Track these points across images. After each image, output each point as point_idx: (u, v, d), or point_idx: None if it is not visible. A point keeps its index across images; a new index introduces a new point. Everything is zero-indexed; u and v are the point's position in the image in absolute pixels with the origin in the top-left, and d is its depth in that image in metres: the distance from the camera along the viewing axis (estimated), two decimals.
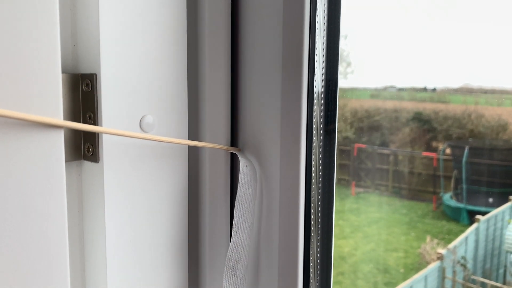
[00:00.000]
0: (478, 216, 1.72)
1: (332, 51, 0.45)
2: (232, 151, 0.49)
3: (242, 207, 0.48)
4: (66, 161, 0.39)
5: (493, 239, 1.66)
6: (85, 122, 0.42)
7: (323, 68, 0.45)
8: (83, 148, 0.43)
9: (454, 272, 1.72)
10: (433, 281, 1.76)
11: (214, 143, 0.48)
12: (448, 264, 1.72)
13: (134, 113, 0.43)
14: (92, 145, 0.42)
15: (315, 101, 0.45)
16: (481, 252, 1.68)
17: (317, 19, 0.44)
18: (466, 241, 1.73)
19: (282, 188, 0.46)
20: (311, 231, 0.47)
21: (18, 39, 0.33)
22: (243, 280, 0.48)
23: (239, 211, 0.48)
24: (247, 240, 0.48)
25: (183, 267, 0.50)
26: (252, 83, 0.47)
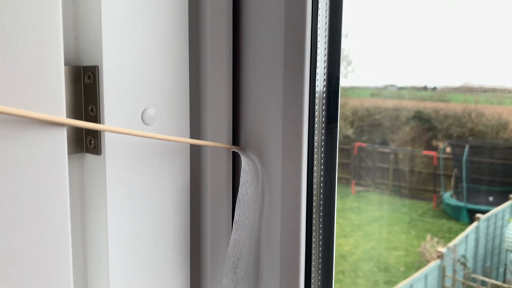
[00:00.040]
0: (478, 215, 1.73)
1: (334, 50, 0.46)
2: (234, 149, 0.49)
3: (244, 205, 0.48)
4: (68, 153, 0.39)
5: (493, 238, 1.67)
6: (87, 114, 0.42)
7: (325, 67, 0.45)
8: (85, 140, 0.43)
9: (454, 271, 1.72)
10: (433, 280, 1.76)
11: (216, 142, 0.48)
12: (448, 262, 1.73)
13: (136, 105, 0.43)
14: (94, 138, 0.42)
15: (316, 100, 0.45)
16: (481, 250, 1.69)
17: (319, 17, 0.44)
18: (466, 239, 1.73)
19: (283, 187, 0.46)
20: (312, 229, 0.47)
21: (20, 31, 0.33)
22: (244, 278, 0.48)
23: (240, 209, 0.48)
24: (248, 238, 0.48)
25: (185, 263, 0.50)
26: (254, 82, 0.47)
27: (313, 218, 0.47)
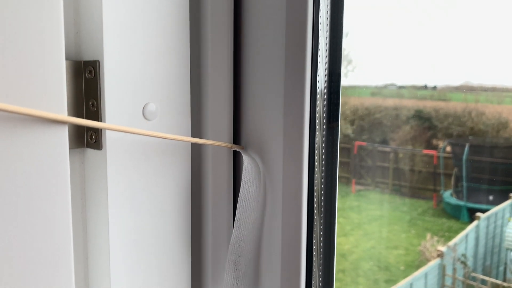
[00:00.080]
0: (478, 214, 1.73)
1: (335, 49, 0.46)
2: (235, 148, 0.49)
3: (245, 203, 0.48)
4: (69, 148, 0.39)
5: (493, 237, 1.67)
6: (87, 109, 0.42)
7: (326, 66, 0.45)
8: (86, 135, 0.43)
9: (454, 270, 1.72)
10: (433, 279, 1.76)
11: (217, 141, 0.48)
12: (448, 261, 1.73)
13: (137, 100, 0.43)
14: (95, 133, 0.42)
15: (317, 99, 0.45)
16: (481, 249, 1.69)
17: (320, 17, 0.44)
18: (466, 238, 1.74)
19: (285, 185, 0.46)
20: (313, 228, 0.48)
21: (21, 27, 0.33)
22: (245, 274, 0.48)
23: (242, 208, 0.48)
24: (249, 235, 0.48)
25: (186, 259, 0.50)
26: (255, 80, 0.48)
27: (314, 216, 0.47)
